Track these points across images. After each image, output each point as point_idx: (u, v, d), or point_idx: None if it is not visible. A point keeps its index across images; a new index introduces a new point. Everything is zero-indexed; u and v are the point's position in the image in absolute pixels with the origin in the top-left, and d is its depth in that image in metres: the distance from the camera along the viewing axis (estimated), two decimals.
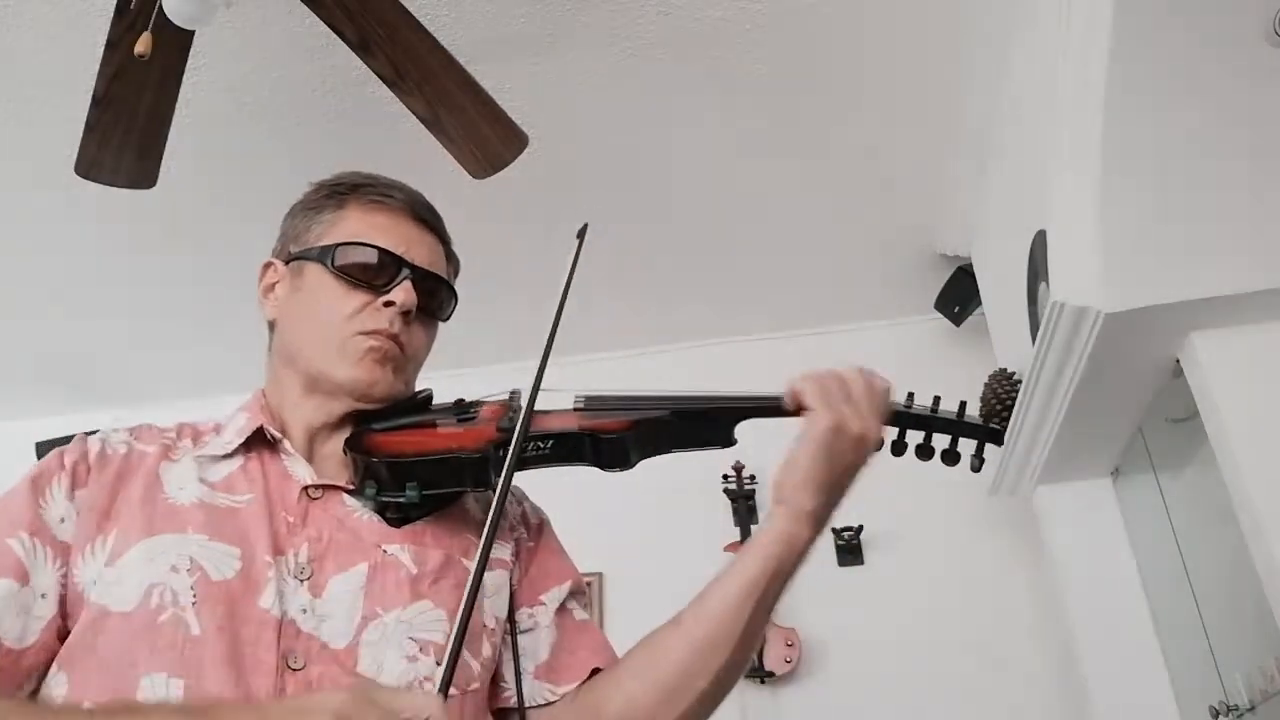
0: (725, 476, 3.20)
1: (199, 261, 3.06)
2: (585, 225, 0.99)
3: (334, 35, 1.87)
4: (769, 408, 0.96)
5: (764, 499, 3.14)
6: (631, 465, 0.94)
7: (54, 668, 0.82)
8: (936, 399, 0.98)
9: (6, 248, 2.95)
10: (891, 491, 3.24)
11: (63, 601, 0.84)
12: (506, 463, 0.83)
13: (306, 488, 0.92)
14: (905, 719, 2.90)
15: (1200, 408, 1.96)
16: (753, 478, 3.18)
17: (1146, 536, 2.51)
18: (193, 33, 1.80)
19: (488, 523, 0.80)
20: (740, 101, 2.51)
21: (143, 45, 1.63)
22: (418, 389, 1.04)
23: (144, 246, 2.97)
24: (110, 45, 1.81)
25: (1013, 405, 2.60)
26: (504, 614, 0.95)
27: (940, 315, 3.28)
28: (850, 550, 3.11)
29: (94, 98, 1.90)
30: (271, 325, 1.04)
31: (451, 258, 1.09)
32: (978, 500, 2.99)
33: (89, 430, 0.99)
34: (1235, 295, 1.86)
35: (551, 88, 2.43)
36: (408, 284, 0.97)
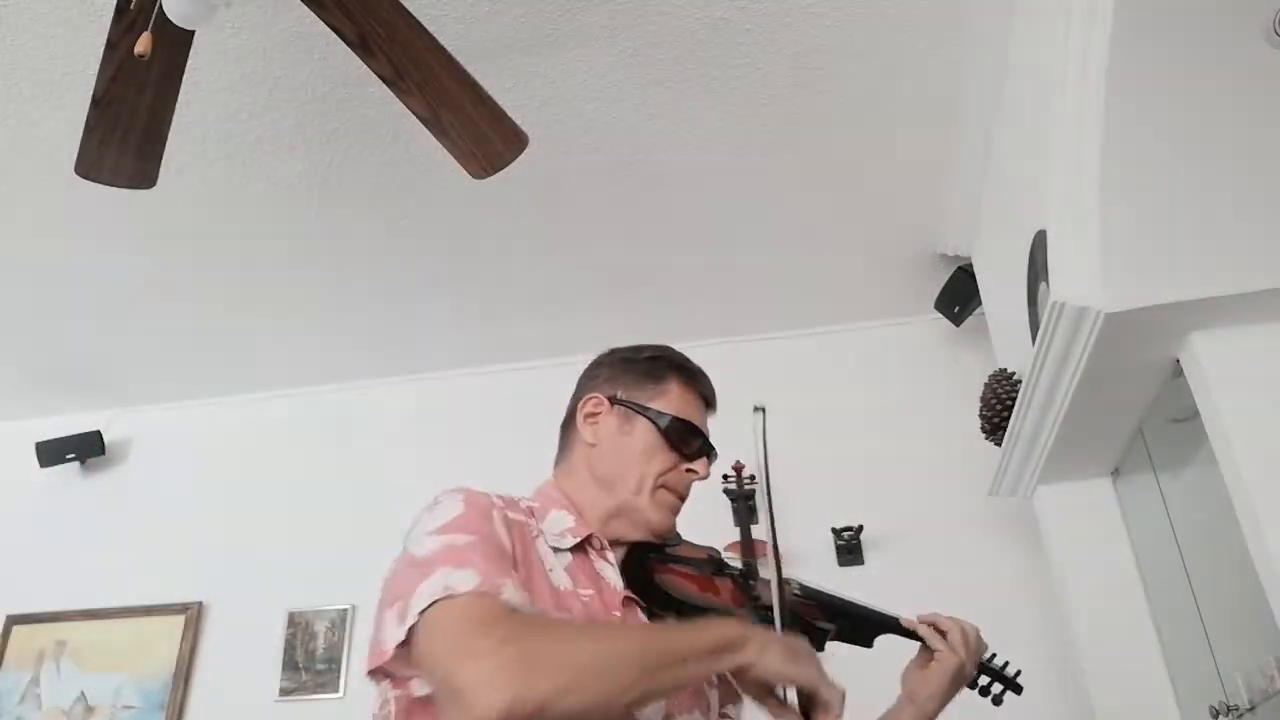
0: (725, 476, 3.18)
1: (199, 262, 3.06)
2: (763, 408, 1.21)
3: (334, 35, 1.86)
4: (912, 635, 1.31)
5: (764, 499, 3.14)
6: (821, 650, 1.23)
7: None
8: (1005, 663, 1.42)
9: (6, 248, 2.95)
10: (892, 492, 3.26)
11: None
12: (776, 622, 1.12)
13: (625, 597, 1.16)
14: None
15: (1200, 408, 1.96)
16: (752, 478, 3.17)
17: (1146, 536, 2.51)
18: (193, 33, 1.80)
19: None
20: (740, 101, 2.51)
21: (143, 45, 1.63)
22: None
23: (144, 247, 2.98)
24: (110, 45, 1.81)
25: (1013, 405, 2.60)
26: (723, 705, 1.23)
27: (940, 315, 3.27)
28: (850, 550, 3.11)
29: (94, 98, 1.90)
30: (580, 441, 1.27)
31: None
32: (978, 500, 2.99)
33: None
34: (1235, 295, 1.86)
35: (551, 88, 2.43)
36: (705, 459, 1.27)
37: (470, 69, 1.96)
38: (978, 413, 2.82)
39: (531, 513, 1.19)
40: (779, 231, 3.04)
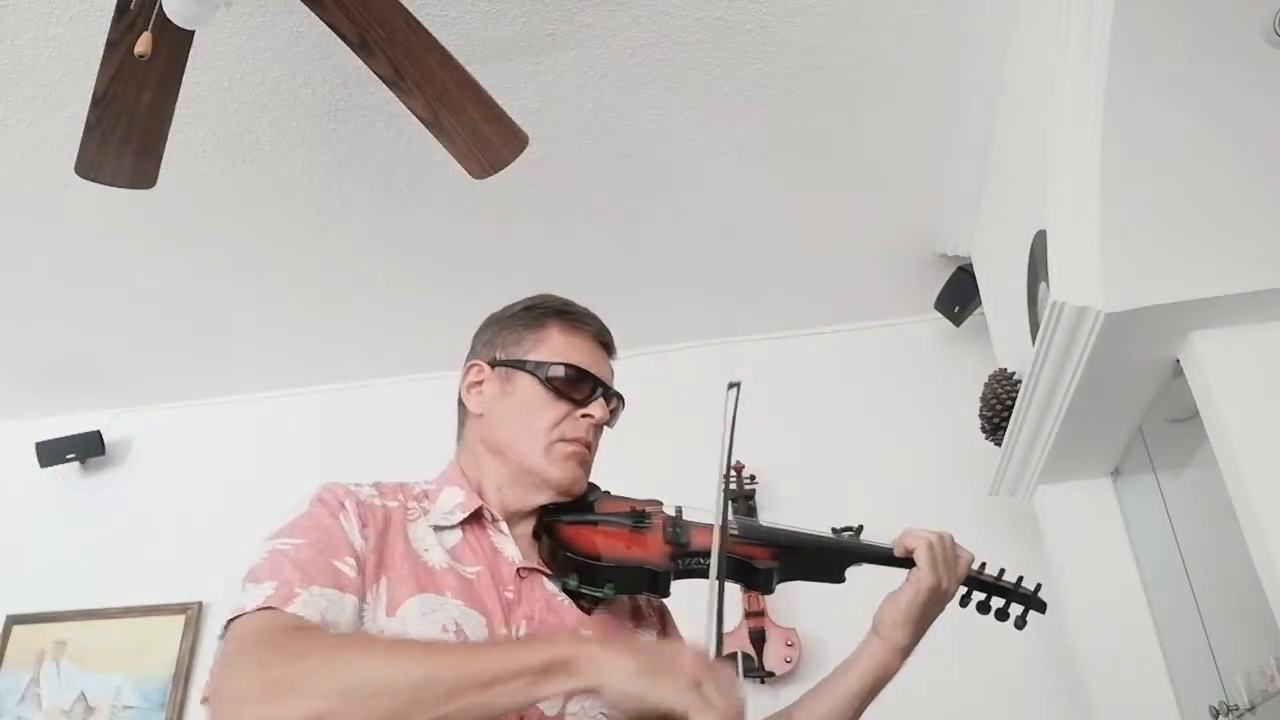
0: (725, 477, 3.19)
1: (198, 261, 3.06)
2: (739, 382, 1.11)
3: (334, 35, 1.86)
4: (884, 558, 1.21)
5: (764, 499, 3.14)
6: (771, 590, 1.15)
7: None
8: (1001, 570, 1.31)
9: (6, 248, 2.95)
10: (892, 492, 3.25)
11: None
12: (713, 575, 1.02)
13: (520, 569, 1.09)
14: (904, 718, 2.89)
15: (1200, 408, 1.96)
16: (753, 478, 3.18)
17: (1146, 536, 2.51)
18: (193, 33, 1.80)
19: (711, 616, 0.97)
20: (740, 101, 2.51)
21: (143, 45, 1.63)
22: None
23: (144, 246, 2.98)
24: (110, 45, 1.81)
25: (1013, 405, 2.60)
26: None
27: (940, 315, 3.27)
28: None
29: (94, 98, 1.90)
30: (470, 415, 1.21)
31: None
32: (978, 500, 2.99)
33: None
34: (1235, 295, 1.86)
35: (551, 88, 2.43)
36: (601, 401, 1.18)
37: (470, 69, 1.96)
38: (978, 413, 2.82)
39: (425, 495, 1.14)
40: (779, 231, 3.04)
